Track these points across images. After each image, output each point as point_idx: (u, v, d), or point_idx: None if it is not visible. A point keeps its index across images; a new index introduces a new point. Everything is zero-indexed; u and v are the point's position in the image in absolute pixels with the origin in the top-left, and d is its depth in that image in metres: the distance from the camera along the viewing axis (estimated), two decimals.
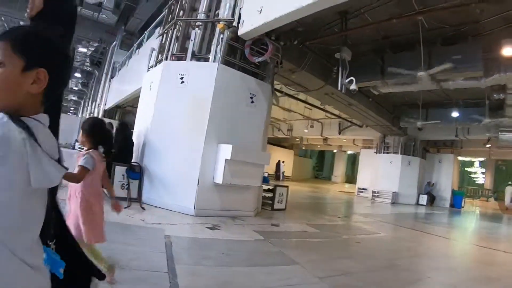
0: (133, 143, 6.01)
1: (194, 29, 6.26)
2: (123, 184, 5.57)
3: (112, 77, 17.05)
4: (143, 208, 5.23)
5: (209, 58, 5.97)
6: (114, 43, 17.58)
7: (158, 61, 6.86)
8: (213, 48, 5.97)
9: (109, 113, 17.00)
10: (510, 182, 18.22)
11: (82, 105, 29.66)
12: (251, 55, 6.22)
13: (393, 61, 8.39)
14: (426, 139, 14.19)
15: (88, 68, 22.60)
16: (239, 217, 5.91)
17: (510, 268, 4.73)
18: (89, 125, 2.32)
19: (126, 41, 17.41)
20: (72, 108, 35.97)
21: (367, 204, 12.49)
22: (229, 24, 6.05)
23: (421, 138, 13.92)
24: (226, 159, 5.55)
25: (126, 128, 6.13)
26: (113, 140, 5.82)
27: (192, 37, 6.07)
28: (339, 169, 29.41)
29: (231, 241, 4.33)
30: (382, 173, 13.81)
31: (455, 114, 10.79)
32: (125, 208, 4.86)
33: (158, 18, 11.47)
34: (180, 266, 3.01)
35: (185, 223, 4.93)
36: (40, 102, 0.84)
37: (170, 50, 6.19)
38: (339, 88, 7.48)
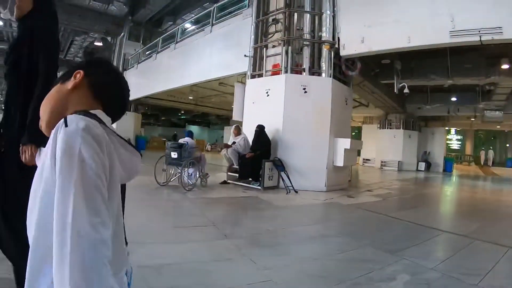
0: (270, 142, 8.27)
1: (302, 46, 8.60)
2: (270, 176, 7.90)
3: (124, 69, 18.13)
4: (296, 192, 7.63)
5: (320, 72, 8.42)
6: (122, 34, 18.46)
7: (258, 74, 9.08)
8: (323, 65, 8.40)
9: None
10: (483, 148, 23.53)
11: None
12: (347, 70, 8.82)
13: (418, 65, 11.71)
14: (423, 115, 17.92)
15: (81, 59, 22.79)
16: (346, 189, 8.71)
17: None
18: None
19: (133, 32, 18.45)
20: None
21: (380, 172, 15.91)
22: (331, 44, 8.51)
23: (418, 115, 17.61)
24: (345, 149, 8.21)
25: (264, 130, 8.29)
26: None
27: (306, 55, 8.44)
28: None
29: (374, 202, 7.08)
30: (388, 145, 17.38)
31: (453, 98, 14.40)
32: (286, 194, 7.31)
33: (195, 16, 13.16)
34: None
35: (331, 197, 7.52)
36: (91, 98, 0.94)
37: (289, 64, 8.43)
38: (395, 91, 10.42)
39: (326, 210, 6.34)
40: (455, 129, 28.37)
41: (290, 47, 8.39)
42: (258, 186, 7.58)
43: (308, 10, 8.60)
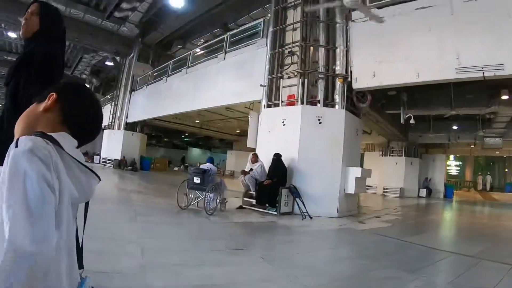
0: (286, 169, 8.75)
1: (317, 79, 9.22)
2: (286, 202, 8.34)
3: (133, 90, 18.71)
4: (311, 218, 8.07)
5: (334, 104, 9.02)
6: (131, 55, 19.15)
7: (274, 103, 9.64)
8: (337, 97, 9.01)
9: (130, 125, 18.76)
10: (479, 173, 24.47)
11: None
12: (358, 102, 9.45)
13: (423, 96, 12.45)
14: (424, 143, 18.62)
15: (87, 76, 23.51)
16: (355, 215, 9.17)
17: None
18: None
19: (142, 54, 19.14)
20: None
21: (382, 199, 16.42)
22: (344, 78, 9.14)
23: (419, 142, 18.31)
24: (356, 177, 8.73)
25: (281, 158, 8.79)
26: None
27: (321, 88, 9.05)
28: None
29: (385, 227, 7.55)
30: (390, 172, 17.96)
31: (455, 127, 15.12)
32: (301, 220, 7.75)
33: (207, 43, 13.89)
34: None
35: (344, 223, 7.97)
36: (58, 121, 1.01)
37: (305, 96, 9.01)
38: (402, 121, 11.07)
39: (343, 235, 6.79)
40: (453, 155, 29.24)
41: (306, 80, 9.00)
42: (274, 211, 8.02)
43: (323, 44, 9.27)
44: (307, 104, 8.96)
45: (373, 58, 8.80)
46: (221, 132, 23.62)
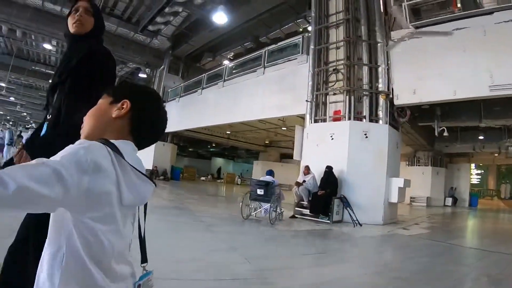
0: (337, 181, 9.64)
1: (361, 95, 10.15)
2: (337, 211, 9.24)
3: (164, 101, 19.69)
4: (361, 225, 8.95)
5: (377, 119, 9.95)
6: (162, 67, 20.26)
7: (321, 119, 10.59)
8: (380, 113, 9.93)
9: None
10: (503, 182, 25.39)
11: None
12: (399, 117, 10.37)
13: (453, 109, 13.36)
14: (449, 152, 19.48)
15: None
16: (396, 222, 10.06)
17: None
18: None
19: (172, 65, 20.23)
20: None
21: (410, 208, 17.23)
22: (386, 94, 10.07)
23: (445, 152, 19.17)
24: (399, 187, 9.62)
25: (332, 170, 9.67)
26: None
27: (366, 104, 9.99)
28: None
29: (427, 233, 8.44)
30: (417, 182, 18.73)
31: (481, 137, 15.98)
32: (353, 227, 8.65)
33: (242, 57, 14.91)
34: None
35: (391, 229, 8.84)
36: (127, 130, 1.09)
37: (352, 112, 9.95)
38: (436, 134, 11.99)
39: (397, 239, 7.69)
40: (474, 164, 30.09)
41: (352, 97, 9.95)
42: (327, 220, 8.93)
43: (366, 63, 10.22)
44: (354, 119, 9.89)
45: (412, 76, 9.71)
46: (249, 142, 24.57)
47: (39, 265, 0.95)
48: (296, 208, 9.70)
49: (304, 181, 9.54)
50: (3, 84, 25.65)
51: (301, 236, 7.24)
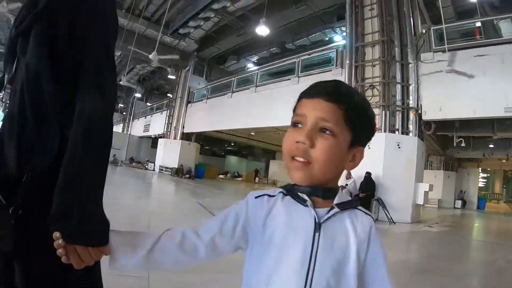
0: (375, 184, 11.73)
1: (395, 110, 12.22)
2: (374, 211, 11.36)
3: (189, 102, 21.65)
4: (394, 223, 11.08)
5: (408, 132, 12.05)
6: (187, 68, 22.07)
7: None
8: (410, 126, 12.05)
9: (186, 135, 21.71)
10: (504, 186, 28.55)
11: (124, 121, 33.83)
12: (425, 130, 12.50)
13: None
14: (459, 157, 21.79)
15: (132, 85, 26.34)
16: (420, 221, 12.25)
17: None
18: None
19: (197, 67, 22.06)
20: None
21: (423, 209, 19.51)
22: (415, 110, 12.16)
23: (456, 157, 21.50)
24: (425, 191, 11.79)
25: (371, 176, 11.73)
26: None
27: (399, 118, 12.08)
28: None
29: (450, 230, 10.62)
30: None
31: (491, 145, 18.26)
32: (389, 224, 10.78)
33: (279, 63, 16.88)
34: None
35: (420, 227, 10.98)
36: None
37: (387, 126, 12.03)
38: (454, 145, 14.20)
39: (429, 235, 9.87)
40: (481, 168, 32.78)
41: (388, 112, 12.04)
42: None
43: (399, 81, 12.30)
44: (389, 131, 11.99)
45: (438, 94, 11.77)
46: (267, 142, 26.22)
47: None
48: None
49: (346, 184, 11.61)
50: None
51: None
